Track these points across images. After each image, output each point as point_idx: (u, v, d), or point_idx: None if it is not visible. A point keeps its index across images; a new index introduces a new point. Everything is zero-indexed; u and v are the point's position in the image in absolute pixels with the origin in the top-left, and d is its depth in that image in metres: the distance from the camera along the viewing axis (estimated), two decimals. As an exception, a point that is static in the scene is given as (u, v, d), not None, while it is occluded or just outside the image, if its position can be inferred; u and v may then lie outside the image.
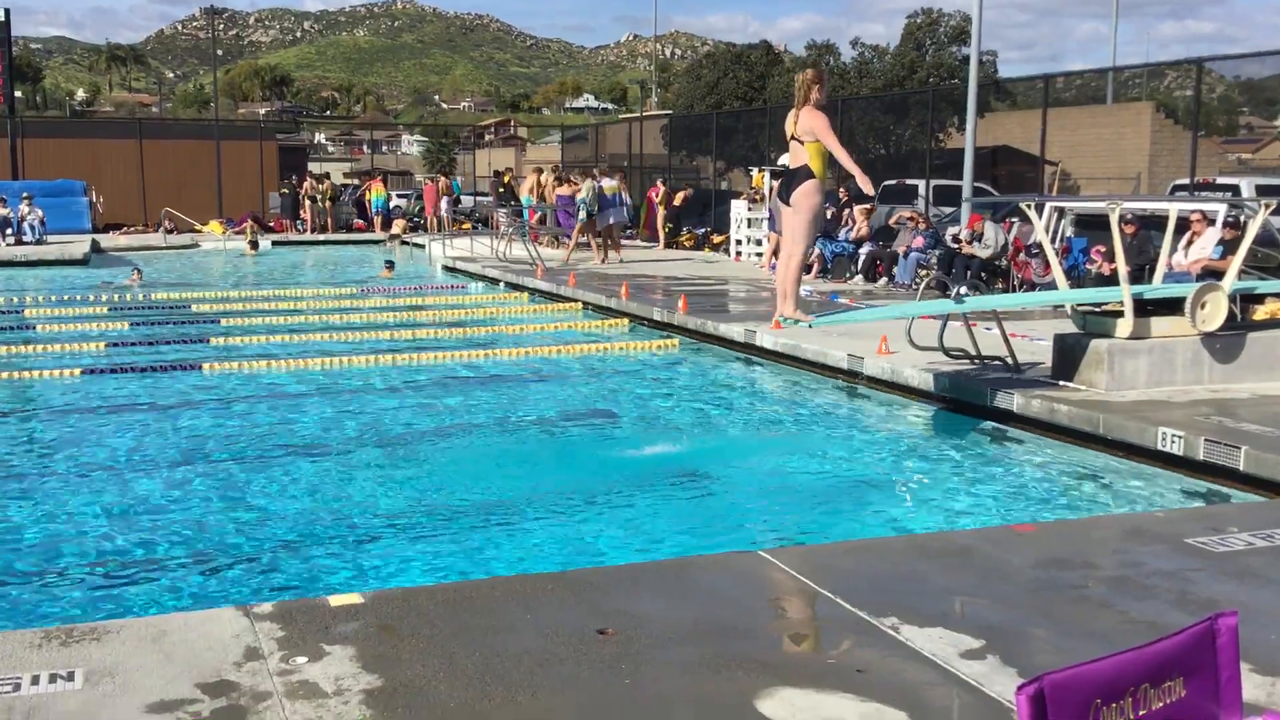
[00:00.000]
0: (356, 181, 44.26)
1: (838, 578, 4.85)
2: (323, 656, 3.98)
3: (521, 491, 7.55)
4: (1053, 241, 15.79)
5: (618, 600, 4.59)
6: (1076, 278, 15.26)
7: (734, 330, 13.21)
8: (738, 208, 23.38)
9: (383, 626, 4.26)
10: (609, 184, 22.70)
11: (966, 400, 9.62)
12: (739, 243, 23.36)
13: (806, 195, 8.82)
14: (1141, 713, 2.08)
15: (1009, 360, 10.11)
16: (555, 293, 18.00)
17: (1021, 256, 16.37)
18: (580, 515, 7.07)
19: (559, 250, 23.91)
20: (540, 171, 25.10)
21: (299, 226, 34.05)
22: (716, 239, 25.64)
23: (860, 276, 18.68)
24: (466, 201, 39.28)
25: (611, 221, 22.53)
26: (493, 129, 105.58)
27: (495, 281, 20.70)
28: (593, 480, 7.91)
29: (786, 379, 11.75)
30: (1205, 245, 13.45)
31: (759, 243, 22.26)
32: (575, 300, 17.14)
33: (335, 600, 4.57)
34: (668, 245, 26.46)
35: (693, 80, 45.99)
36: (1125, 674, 2.06)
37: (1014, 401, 9.06)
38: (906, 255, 17.77)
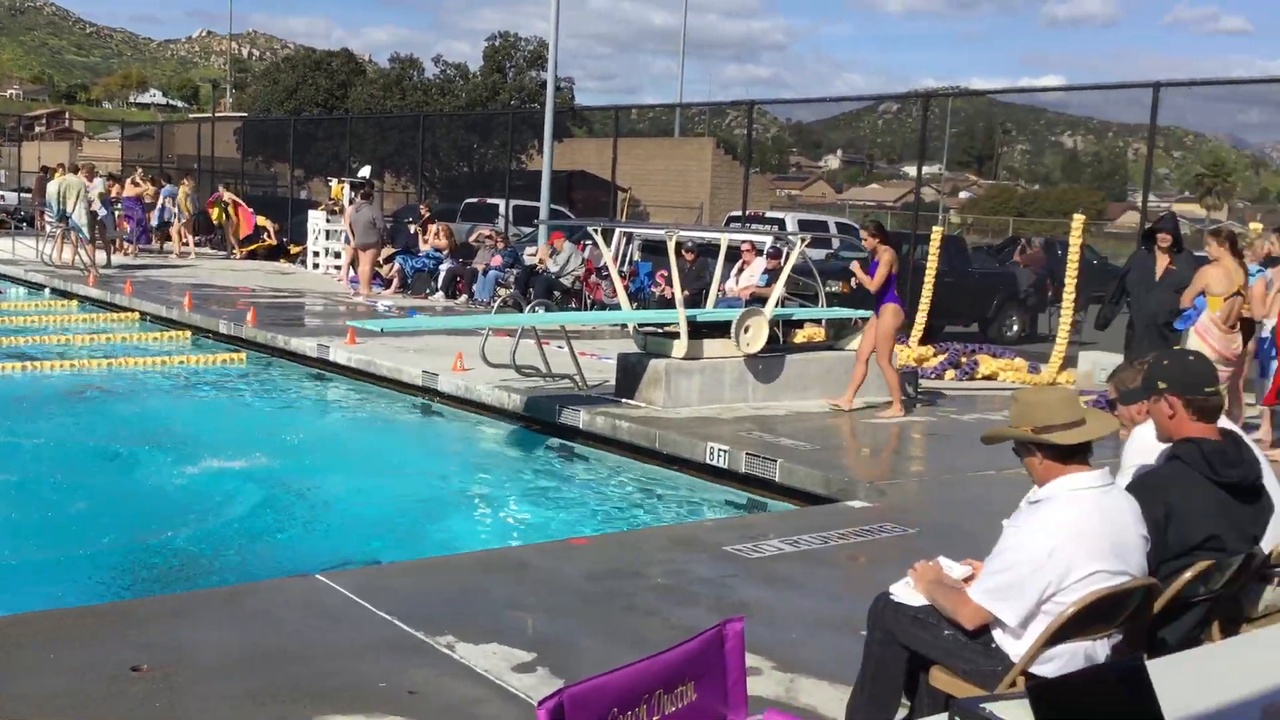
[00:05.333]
0: None
1: (397, 598, 4.81)
2: None
3: (64, 519, 6.91)
4: (621, 265, 16.62)
5: (160, 632, 4.30)
6: (643, 300, 16.13)
7: (306, 345, 12.82)
8: (316, 218, 22.75)
9: None
10: (99, 186, 21.52)
11: (536, 417, 9.88)
12: (316, 254, 22.75)
13: None
14: (655, 718, 2.21)
15: (577, 378, 10.49)
16: (109, 302, 16.68)
17: (593, 278, 17.06)
18: (129, 542, 6.57)
19: (118, 255, 22.23)
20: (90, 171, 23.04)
21: None
22: (294, 249, 24.81)
23: (441, 293, 18.73)
24: (10, 198, 35.60)
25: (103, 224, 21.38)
26: (44, 120, 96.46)
27: (39, 287, 18.87)
28: (145, 504, 7.38)
29: (360, 395, 11.55)
30: (754, 273, 14.63)
31: (337, 255, 21.78)
32: (132, 310, 15.98)
33: None
34: (247, 255, 25.22)
35: (270, 83, 44.30)
36: (640, 682, 2.18)
37: (580, 418, 9.40)
38: (486, 273, 18.02)
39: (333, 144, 30.57)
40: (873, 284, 9.60)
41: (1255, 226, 13.38)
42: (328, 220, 22.31)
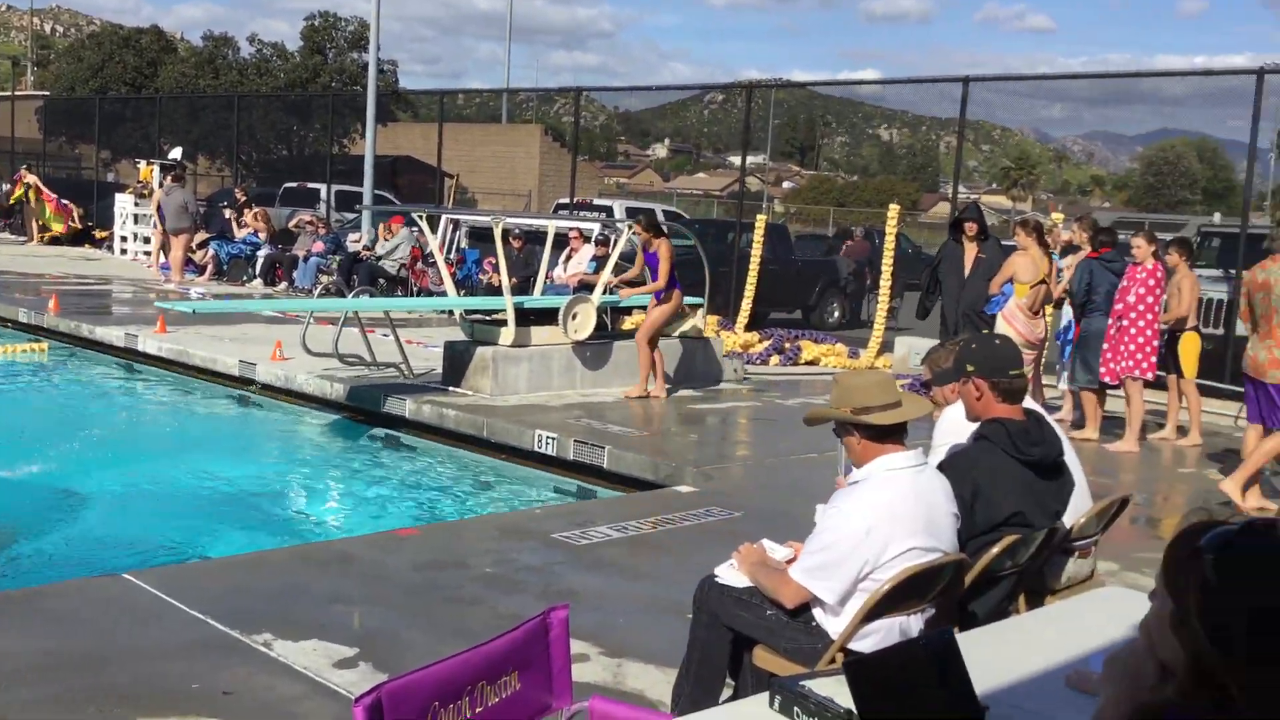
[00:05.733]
0: None
1: (211, 597, 4.62)
2: None
3: None
4: (448, 252, 16.39)
5: (-51, 642, 4.03)
6: (470, 287, 15.93)
7: (113, 334, 12.22)
8: (123, 202, 21.74)
9: None
10: None
11: (361, 407, 9.66)
12: (124, 239, 21.75)
13: None
14: (479, 710, 2.17)
15: (403, 367, 10.30)
16: (-104, 289, 15.58)
17: (420, 265, 16.78)
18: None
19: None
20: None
21: None
22: (100, 235, 23.64)
23: (258, 280, 18.14)
24: None
25: None
26: None
27: None
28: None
29: (173, 387, 11.09)
30: (581, 261, 14.62)
31: (147, 240, 20.87)
32: (-79, 298, 14.96)
33: None
34: (49, 241, 23.89)
35: (75, 61, 42.04)
36: (462, 674, 2.14)
37: (406, 407, 9.23)
38: (307, 259, 17.52)
39: (142, 124, 29.20)
40: (659, 283, 9.72)
41: (1056, 216, 14.08)
42: (136, 204, 21.36)
